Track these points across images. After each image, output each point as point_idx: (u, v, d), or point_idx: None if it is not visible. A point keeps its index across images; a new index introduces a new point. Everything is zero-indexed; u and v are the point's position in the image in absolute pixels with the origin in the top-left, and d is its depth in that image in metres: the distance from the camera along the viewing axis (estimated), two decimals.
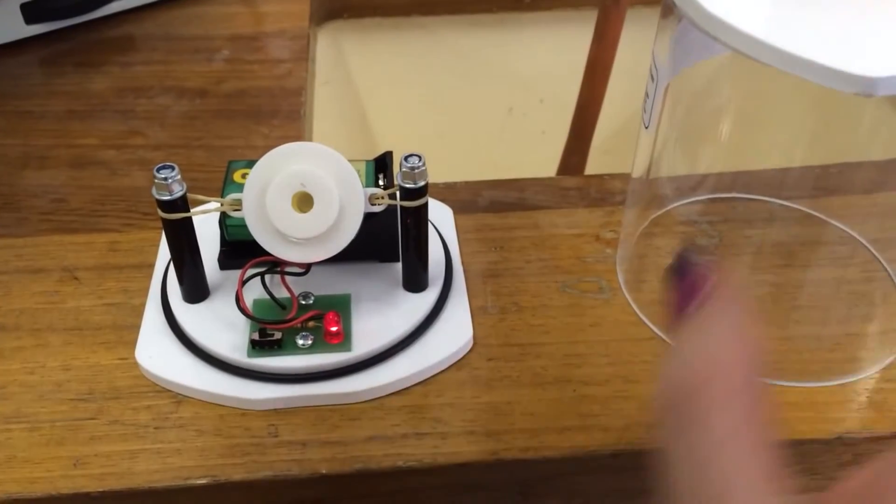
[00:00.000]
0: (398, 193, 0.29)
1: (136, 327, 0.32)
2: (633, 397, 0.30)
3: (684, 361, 0.21)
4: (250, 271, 0.30)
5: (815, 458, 0.30)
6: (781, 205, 0.37)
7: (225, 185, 0.32)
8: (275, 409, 0.30)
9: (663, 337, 0.32)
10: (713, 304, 0.21)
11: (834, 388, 0.31)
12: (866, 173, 0.36)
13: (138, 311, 0.33)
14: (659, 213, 0.37)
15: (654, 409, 0.21)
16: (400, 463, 0.28)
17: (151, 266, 0.34)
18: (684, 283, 0.22)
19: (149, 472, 0.28)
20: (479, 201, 0.38)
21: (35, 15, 0.48)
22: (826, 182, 0.37)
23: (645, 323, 0.33)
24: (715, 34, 0.23)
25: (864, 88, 0.21)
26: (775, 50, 0.22)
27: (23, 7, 0.48)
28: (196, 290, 0.32)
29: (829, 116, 0.33)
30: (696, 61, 0.30)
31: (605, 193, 0.39)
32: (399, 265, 0.32)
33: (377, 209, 0.30)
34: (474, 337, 0.32)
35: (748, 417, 0.20)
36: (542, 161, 0.61)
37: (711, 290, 0.22)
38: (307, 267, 0.31)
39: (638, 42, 0.50)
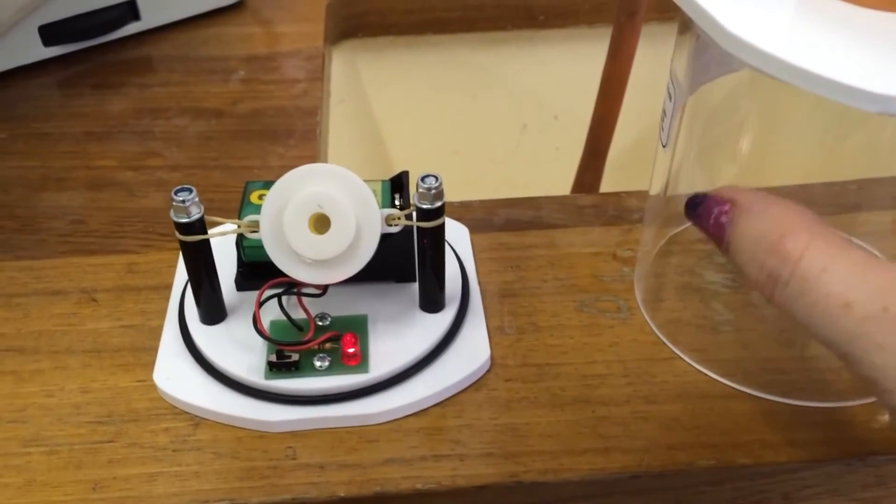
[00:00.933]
0: (415, 214, 0.29)
1: (154, 349, 0.32)
2: (654, 418, 0.30)
3: (757, 237, 0.23)
4: (267, 292, 0.30)
5: (838, 479, 0.30)
6: None
7: (242, 206, 0.32)
8: (292, 432, 0.30)
9: (682, 356, 0.32)
10: (747, 201, 0.24)
11: (856, 409, 0.30)
12: (887, 189, 0.35)
13: (156, 333, 0.33)
14: (677, 230, 0.37)
15: (759, 290, 0.23)
16: (418, 485, 0.28)
17: (169, 287, 0.35)
18: (704, 210, 0.25)
19: (167, 495, 0.28)
20: (495, 220, 0.38)
21: (53, 37, 0.49)
22: (846, 199, 0.36)
23: (664, 342, 0.32)
24: (734, 53, 0.23)
25: (887, 107, 0.20)
26: (796, 69, 0.21)
27: (41, 29, 0.48)
28: (213, 311, 0.32)
29: (848, 132, 0.33)
30: (715, 78, 0.30)
31: (622, 211, 0.38)
32: (416, 285, 0.32)
33: (394, 230, 0.30)
34: (492, 357, 0.32)
35: (834, 236, 0.22)
36: (557, 177, 0.61)
37: (734, 200, 0.24)
38: (324, 288, 0.31)
39: (653, 58, 0.50)
